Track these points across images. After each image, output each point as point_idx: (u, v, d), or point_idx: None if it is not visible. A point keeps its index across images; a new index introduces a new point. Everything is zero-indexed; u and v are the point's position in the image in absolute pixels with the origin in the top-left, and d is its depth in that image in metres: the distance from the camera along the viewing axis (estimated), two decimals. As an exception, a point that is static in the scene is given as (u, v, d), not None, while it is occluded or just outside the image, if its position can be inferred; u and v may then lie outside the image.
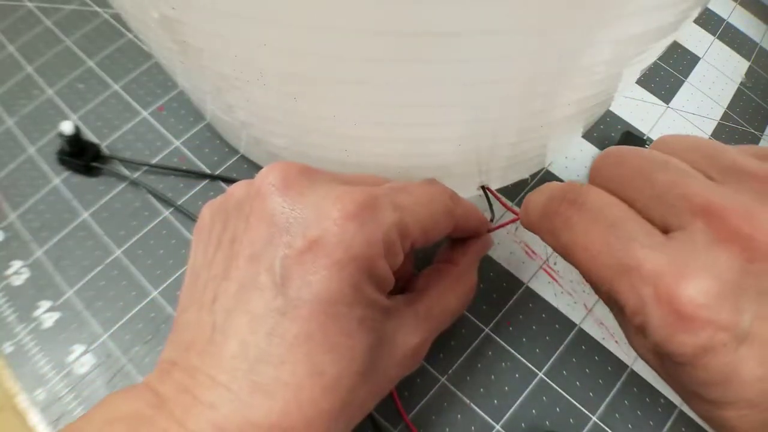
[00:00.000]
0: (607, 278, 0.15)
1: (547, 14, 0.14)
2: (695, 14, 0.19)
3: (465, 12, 0.13)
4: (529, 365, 0.25)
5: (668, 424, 0.24)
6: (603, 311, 0.26)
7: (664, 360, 0.15)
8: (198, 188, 0.29)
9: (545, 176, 0.30)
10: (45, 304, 0.26)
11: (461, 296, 0.20)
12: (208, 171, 0.29)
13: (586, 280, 0.17)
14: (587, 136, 0.32)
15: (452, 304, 0.19)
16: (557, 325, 0.26)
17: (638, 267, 0.14)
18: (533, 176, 0.30)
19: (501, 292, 0.26)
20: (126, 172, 0.29)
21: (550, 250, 0.28)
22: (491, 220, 0.28)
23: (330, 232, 0.14)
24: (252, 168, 0.29)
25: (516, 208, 0.28)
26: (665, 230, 0.14)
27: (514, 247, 0.28)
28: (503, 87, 0.17)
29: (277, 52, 0.16)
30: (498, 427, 0.23)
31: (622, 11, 0.15)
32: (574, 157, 0.31)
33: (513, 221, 0.24)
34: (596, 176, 0.17)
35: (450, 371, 0.24)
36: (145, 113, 0.31)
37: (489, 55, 0.15)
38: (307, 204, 0.15)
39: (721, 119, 0.34)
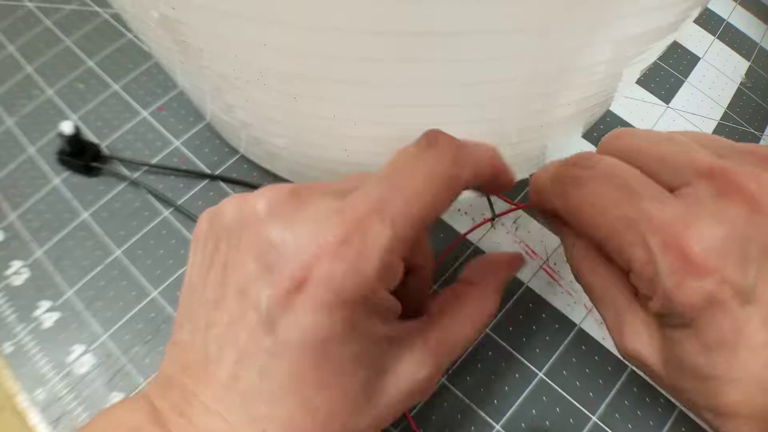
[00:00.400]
0: (616, 232, 0.15)
1: (547, 14, 0.14)
2: (695, 14, 0.19)
3: (464, 12, 0.13)
4: (529, 365, 0.25)
5: (668, 424, 0.24)
6: (603, 311, 0.26)
7: (665, 333, 0.15)
8: (198, 188, 0.29)
9: (545, 176, 0.30)
10: (45, 304, 0.26)
11: (478, 325, 0.18)
12: (208, 171, 0.29)
13: (595, 239, 0.16)
14: (587, 136, 0.32)
15: (468, 334, 0.18)
16: (557, 325, 0.26)
17: (647, 219, 0.14)
18: (532, 175, 0.30)
19: (501, 292, 0.26)
20: (126, 172, 0.29)
21: (550, 249, 0.28)
22: (492, 219, 0.28)
23: (316, 273, 0.13)
24: (252, 168, 0.29)
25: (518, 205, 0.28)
26: (671, 191, 0.15)
27: (514, 247, 0.28)
28: (503, 87, 0.17)
29: (276, 52, 0.16)
30: (498, 427, 0.23)
31: (622, 11, 0.15)
32: (568, 153, 0.31)
33: (529, 206, 0.24)
34: (604, 149, 0.17)
35: (450, 371, 0.24)
36: (145, 113, 0.31)
37: (489, 55, 0.15)
38: (293, 237, 0.14)
39: (721, 119, 0.34)
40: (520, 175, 0.29)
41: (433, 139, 0.16)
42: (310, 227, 0.14)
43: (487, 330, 0.25)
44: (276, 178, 0.29)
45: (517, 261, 0.20)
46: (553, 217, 0.19)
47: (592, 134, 0.32)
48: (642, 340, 0.16)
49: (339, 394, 0.14)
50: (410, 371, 0.16)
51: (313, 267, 0.13)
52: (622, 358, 0.17)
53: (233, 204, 0.15)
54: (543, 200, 0.19)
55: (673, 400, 0.24)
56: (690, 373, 0.15)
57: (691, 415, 0.24)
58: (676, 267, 0.14)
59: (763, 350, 0.13)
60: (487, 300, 0.19)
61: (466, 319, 0.18)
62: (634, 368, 0.25)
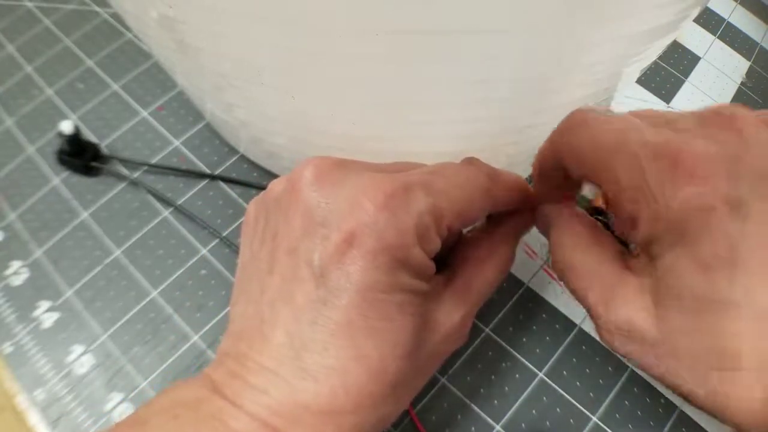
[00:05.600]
0: (613, 159, 0.15)
1: (547, 14, 0.14)
2: (695, 14, 0.19)
3: (465, 11, 0.13)
4: (529, 365, 0.25)
5: (668, 424, 0.24)
6: (603, 311, 0.26)
7: (657, 267, 0.15)
8: (198, 188, 0.29)
9: (545, 176, 0.30)
10: (44, 305, 0.26)
11: (496, 268, 0.19)
12: (207, 171, 0.29)
13: (597, 176, 0.16)
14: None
15: (488, 277, 0.19)
16: (557, 325, 0.26)
17: (645, 141, 0.14)
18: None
19: (501, 292, 0.26)
20: (125, 171, 0.29)
21: (550, 250, 0.28)
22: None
23: (363, 223, 0.14)
24: (252, 168, 0.29)
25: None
26: None
27: (514, 247, 0.27)
28: (504, 86, 0.17)
29: (274, 50, 0.16)
30: (498, 427, 0.23)
31: (622, 10, 0.15)
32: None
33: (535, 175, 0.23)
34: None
35: (450, 371, 0.24)
36: (144, 113, 0.31)
37: (489, 54, 0.15)
38: (340, 196, 0.15)
39: (722, 119, 0.34)
40: (520, 173, 0.29)
41: (472, 159, 0.18)
42: (359, 188, 0.15)
43: (487, 330, 0.25)
44: (275, 178, 0.29)
45: (527, 218, 0.21)
46: (553, 186, 0.20)
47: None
48: (634, 306, 0.15)
49: (389, 342, 0.15)
50: (444, 316, 0.17)
51: (360, 221, 0.14)
52: (604, 339, 0.16)
53: (280, 180, 0.17)
54: (548, 154, 0.19)
55: (673, 400, 0.24)
56: (689, 311, 0.14)
57: (692, 416, 0.24)
58: (668, 177, 0.14)
59: (761, 272, 0.13)
60: (503, 245, 0.20)
61: (485, 264, 0.19)
62: (634, 369, 0.25)
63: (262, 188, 0.29)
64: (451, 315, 0.17)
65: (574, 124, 0.17)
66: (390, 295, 0.15)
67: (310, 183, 0.16)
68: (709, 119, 0.15)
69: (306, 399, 0.14)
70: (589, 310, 0.17)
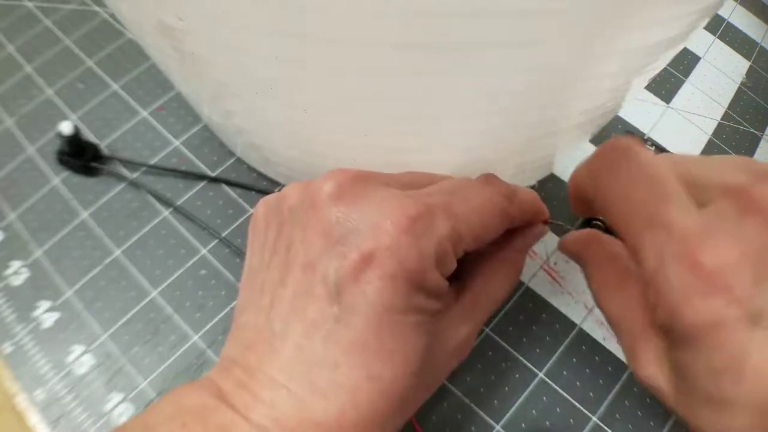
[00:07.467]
0: (636, 229, 0.15)
1: (560, 29, 0.14)
2: (704, 23, 0.19)
3: (478, 26, 0.13)
4: (529, 365, 0.25)
5: (668, 424, 0.24)
6: (603, 311, 0.26)
7: (673, 355, 0.15)
8: (197, 188, 0.29)
9: (550, 179, 0.30)
10: (44, 305, 0.26)
11: (506, 282, 0.20)
12: (207, 171, 0.29)
13: (616, 228, 0.16)
14: (595, 140, 0.31)
15: (497, 292, 0.19)
16: (557, 325, 0.26)
17: (668, 224, 0.14)
18: (540, 182, 0.30)
19: (501, 293, 0.26)
20: (125, 172, 0.29)
21: (550, 250, 0.28)
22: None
23: (383, 246, 0.14)
24: (251, 168, 0.29)
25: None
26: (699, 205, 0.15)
27: (514, 247, 0.27)
28: (516, 98, 0.17)
29: (290, 65, 0.15)
30: (498, 427, 0.23)
31: (635, 24, 0.15)
32: (576, 158, 0.31)
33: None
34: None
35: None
36: (144, 113, 0.31)
37: (503, 67, 0.15)
38: (361, 214, 0.15)
39: (722, 119, 0.34)
40: (528, 182, 0.29)
41: (491, 178, 0.19)
42: (382, 209, 0.15)
43: (487, 330, 0.25)
44: (273, 181, 0.29)
45: (539, 231, 0.21)
46: (585, 214, 0.20)
47: (598, 139, 0.32)
48: (654, 366, 0.16)
49: (401, 363, 0.15)
50: (453, 332, 0.17)
51: (380, 243, 0.14)
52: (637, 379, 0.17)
53: (297, 188, 0.17)
54: (579, 188, 0.18)
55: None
56: (699, 396, 0.14)
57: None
58: (685, 282, 0.13)
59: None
60: (513, 260, 0.20)
61: (495, 279, 0.19)
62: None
63: (262, 191, 0.29)
64: (460, 330, 0.17)
65: (600, 165, 0.17)
66: (405, 316, 0.15)
67: (331, 199, 0.15)
68: (743, 207, 0.13)
69: (315, 415, 0.14)
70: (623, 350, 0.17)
